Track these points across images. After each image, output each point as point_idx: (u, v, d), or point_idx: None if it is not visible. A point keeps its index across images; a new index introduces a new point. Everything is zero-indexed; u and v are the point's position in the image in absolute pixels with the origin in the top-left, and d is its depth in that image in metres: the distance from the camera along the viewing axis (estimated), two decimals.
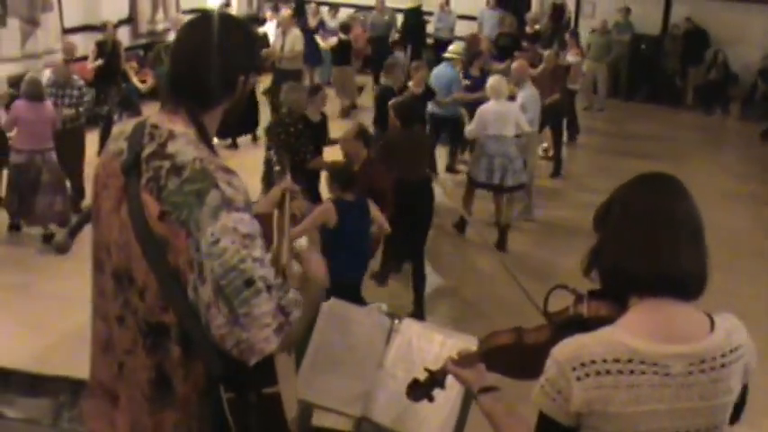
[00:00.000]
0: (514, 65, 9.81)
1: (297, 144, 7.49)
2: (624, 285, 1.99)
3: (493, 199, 8.96)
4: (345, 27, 14.27)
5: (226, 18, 2.35)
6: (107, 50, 11.16)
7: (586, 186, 10.94)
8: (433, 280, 7.78)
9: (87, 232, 2.60)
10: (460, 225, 9.22)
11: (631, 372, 1.88)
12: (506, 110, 8.73)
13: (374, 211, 6.03)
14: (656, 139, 13.80)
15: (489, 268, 8.44)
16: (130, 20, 14.16)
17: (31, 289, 7.63)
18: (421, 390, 2.53)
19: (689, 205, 2.00)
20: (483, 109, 8.73)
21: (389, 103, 8.25)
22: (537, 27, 15.28)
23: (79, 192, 9.17)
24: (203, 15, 2.36)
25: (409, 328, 3.26)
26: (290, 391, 2.28)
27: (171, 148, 2.18)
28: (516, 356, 2.25)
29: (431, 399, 2.53)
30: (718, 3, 15.84)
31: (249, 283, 2.06)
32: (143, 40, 14.37)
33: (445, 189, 9.40)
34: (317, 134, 8.26)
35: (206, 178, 2.12)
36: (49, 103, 8.54)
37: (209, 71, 2.23)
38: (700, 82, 16.30)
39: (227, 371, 2.14)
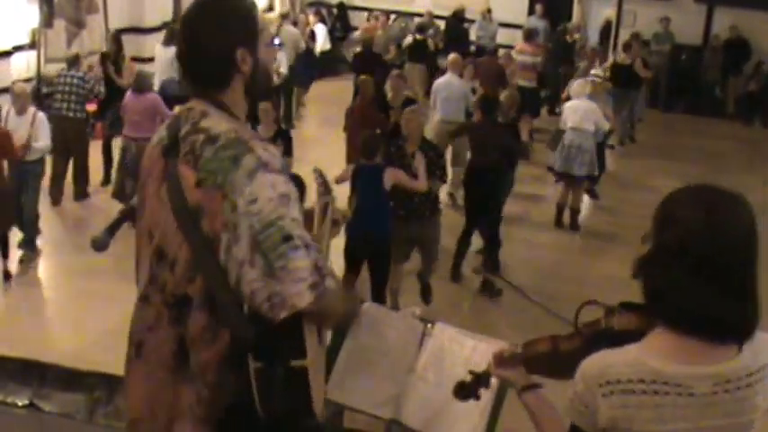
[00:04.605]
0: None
1: None
2: (655, 311, 1.97)
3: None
4: (422, 27, 15.21)
5: (213, 1, 2.34)
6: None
7: (620, 196, 10.88)
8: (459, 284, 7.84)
9: (123, 233, 2.65)
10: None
11: (655, 392, 1.89)
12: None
13: None
14: (695, 149, 13.65)
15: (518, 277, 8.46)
16: (174, 22, 14.32)
17: (69, 286, 7.76)
18: (467, 390, 2.63)
19: (746, 240, 1.90)
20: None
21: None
22: (576, 36, 15.26)
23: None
24: (194, 2, 2.38)
25: (441, 332, 3.28)
26: (319, 383, 2.26)
27: (204, 123, 2.25)
28: (553, 362, 2.31)
29: (477, 397, 2.64)
30: (761, 13, 15.64)
31: (287, 238, 2.09)
32: None
33: None
34: None
35: (240, 144, 2.17)
36: (151, 95, 9.31)
37: (201, 53, 2.28)
38: (740, 93, 16.14)
39: (256, 339, 2.13)
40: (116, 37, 11.45)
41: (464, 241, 8.24)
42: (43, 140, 8.29)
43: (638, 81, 13.28)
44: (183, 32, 2.34)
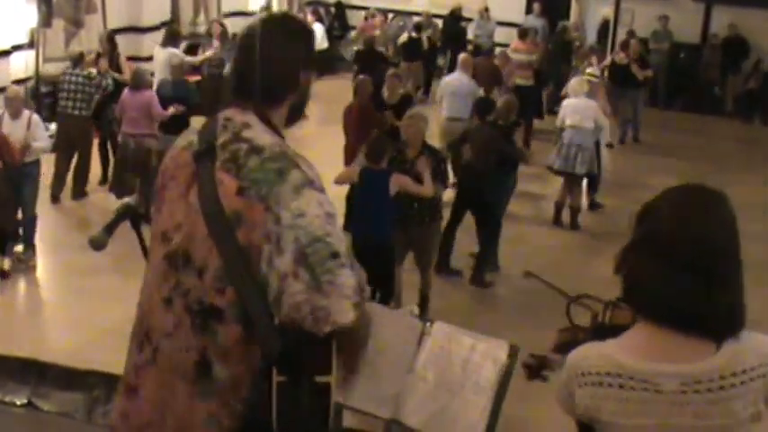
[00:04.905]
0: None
1: None
2: (631, 303, 2.04)
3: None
4: (420, 27, 15.40)
5: (284, 18, 2.46)
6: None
7: (619, 195, 10.89)
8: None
9: (122, 231, 2.64)
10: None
11: (621, 386, 1.95)
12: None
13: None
14: (694, 148, 13.67)
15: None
16: (172, 22, 14.33)
17: (68, 285, 7.75)
18: (533, 371, 2.94)
19: (727, 238, 1.94)
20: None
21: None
22: (575, 35, 15.28)
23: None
24: (264, 17, 2.45)
25: (440, 331, 3.27)
26: None
27: (247, 134, 2.26)
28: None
29: (544, 378, 2.91)
30: (759, 11, 15.67)
31: (335, 255, 2.11)
32: (184, 42, 14.53)
33: None
34: None
35: (286, 159, 2.19)
36: (147, 93, 9.39)
37: (272, 70, 2.30)
38: (739, 91, 16.16)
39: (282, 352, 2.12)
40: (110, 36, 11.46)
41: (450, 234, 8.24)
42: (42, 141, 8.24)
43: (636, 80, 13.29)
44: (250, 47, 2.33)
